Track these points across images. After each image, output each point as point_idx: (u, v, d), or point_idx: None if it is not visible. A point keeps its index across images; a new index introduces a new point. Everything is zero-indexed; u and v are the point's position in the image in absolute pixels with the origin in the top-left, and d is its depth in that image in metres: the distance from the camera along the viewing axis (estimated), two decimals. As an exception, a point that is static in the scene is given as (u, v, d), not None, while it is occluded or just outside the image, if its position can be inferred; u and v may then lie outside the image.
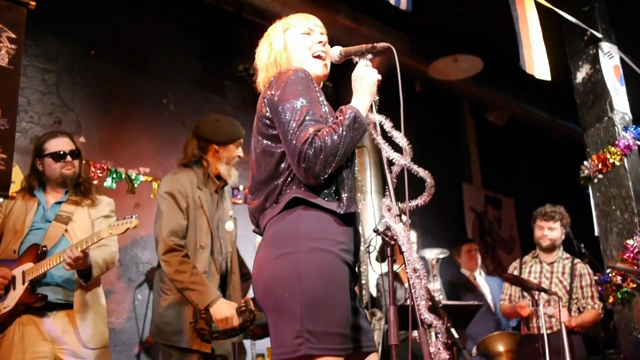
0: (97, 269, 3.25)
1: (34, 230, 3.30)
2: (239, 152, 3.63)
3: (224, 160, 3.60)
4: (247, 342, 4.85)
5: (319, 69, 2.23)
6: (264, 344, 4.81)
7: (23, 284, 3.15)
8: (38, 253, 3.19)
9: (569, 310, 4.33)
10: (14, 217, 3.34)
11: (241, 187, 5.47)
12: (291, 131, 1.95)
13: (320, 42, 2.26)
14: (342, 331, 1.88)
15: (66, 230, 3.31)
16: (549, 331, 4.09)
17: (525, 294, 4.44)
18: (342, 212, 1.97)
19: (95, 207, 3.45)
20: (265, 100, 2.10)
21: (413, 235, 5.46)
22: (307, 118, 1.96)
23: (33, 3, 3.07)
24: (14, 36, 2.96)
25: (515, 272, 4.62)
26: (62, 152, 3.39)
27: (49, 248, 3.22)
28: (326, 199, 1.99)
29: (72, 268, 3.08)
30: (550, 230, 4.52)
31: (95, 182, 4.46)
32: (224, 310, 3.20)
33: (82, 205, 3.42)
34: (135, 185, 4.79)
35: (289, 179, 2.03)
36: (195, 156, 3.60)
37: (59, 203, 3.40)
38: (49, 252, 3.20)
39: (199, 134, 3.63)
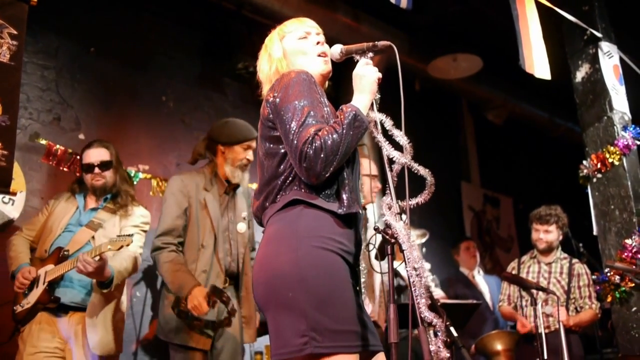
0: (119, 277, 3.34)
1: (65, 233, 3.44)
2: (248, 154, 3.66)
3: (229, 161, 3.64)
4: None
5: (321, 66, 2.24)
6: (262, 342, 4.81)
7: (43, 284, 3.27)
8: (60, 256, 3.31)
9: (567, 309, 4.34)
10: (53, 217, 3.49)
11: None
12: (293, 131, 1.96)
13: (318, 42, 2.27)
14: (352, 328, 1.87)
15: (93, 237, 3.41)
16: (546, 330, 4.10)
17: (524, 293, 4.45)
18: (342, 213, 1.98)
19: (127, 218, 3.54)
20: (267, 102, 2.11)
21: (414, 234, 5.44)
22: (308, 118, 1.96)
23: (34, -1, 3.09)
24: (15, 32, 2.96)
25: (514, 272, 4.63)
26: (90, 164, 3.52)
27: (72, 252, 3.34)
28: (327, 199, 1.99)
29: (83, 273, 3.16)
30: (546, 233, 4.53)
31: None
32: (195, 297, 3.25)
33: (116, 214, 3.53)
34: (134, 183, 4.78)
35: (289, 179, 2.04)
36: (200, 155, 3.71)
37: (96, 209, 3.52)
38: (71, 256, 3.30)
39: (208, 134, 3.73)
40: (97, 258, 3.12)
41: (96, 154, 3.55)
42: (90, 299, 3.32)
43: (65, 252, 3.31)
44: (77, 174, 4.22)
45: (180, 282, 3.32)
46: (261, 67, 2.32)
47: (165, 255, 3.42)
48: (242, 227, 3.62)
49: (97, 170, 3.51)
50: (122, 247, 3.13)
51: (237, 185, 3.71)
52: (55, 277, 3.25)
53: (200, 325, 3.34)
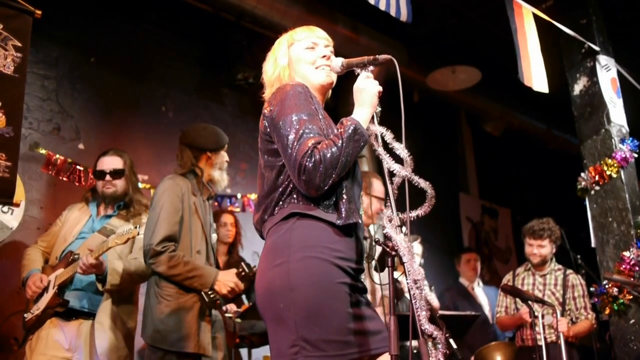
0: (116, 276, 3.28)
1: (77, 240, 3.45)
2: (227, 157, 3.72)
3: (217, 166, 3.62)
4: (244, 351, 4.84)
5: (323, 77, 2.25)
6: (260, 352, 4.80)
7: (53, 288, 3.27)
8: (70, 260, 3.29)
9: (562, 321, 4.34)
10: (67, 226, 3.52)
11: (239, 195, 5.49)
12: (290, 145, 1.97)
13: (324, 56, 2.28)
14: (341, 338, 1.89)
15: (105, 242, 3.36)
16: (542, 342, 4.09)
17: (520, 305, 4.45)
18: (340, 224, 1.98)
19: (141, 226, 3.44)
20: (264, 116, 2.13)
21: (418, 247, 5.42)
22: (306, 131, 1.97)
23: (39, 12, 3.10)
24: (19, 44, 2.97)
25: (509, 284, 4.63)
26: (102, 171, 3.54)
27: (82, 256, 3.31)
28: (325, 210, 2.00)
29: (85, 273, 3.18)
30: (540, 248, 4.52)
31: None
32: (227, 282, 3.29)
33: (129, 222, 3.53)
34: (134, 193, 4.78)
35: (287, 191, 2.05)
36: (193, 165, 3.60)
37: (109, 217, 3.54)
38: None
39: (191, 143, 3.63)
40: (95, 255, 3.14)
41: (109, 162, 3.57)
42: (101, 303, 3.30)
43: (75, 256, 3.28)
44: (76, 183, 4.21)
45: (200, 275, 3.25)
46: (266, 68, 2.34)
47: (166, 257, 3.21)
48: (215, 236, 3.62)
49: (108, 177, 3.53)
50: (128, 239, 3.14)
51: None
52: (64, 279, 3.24)
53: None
